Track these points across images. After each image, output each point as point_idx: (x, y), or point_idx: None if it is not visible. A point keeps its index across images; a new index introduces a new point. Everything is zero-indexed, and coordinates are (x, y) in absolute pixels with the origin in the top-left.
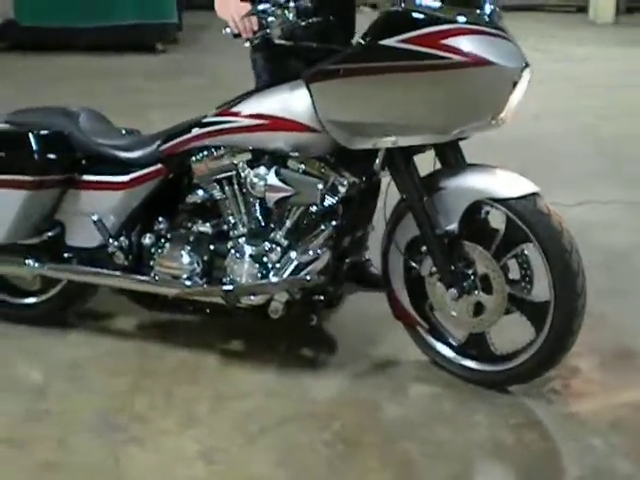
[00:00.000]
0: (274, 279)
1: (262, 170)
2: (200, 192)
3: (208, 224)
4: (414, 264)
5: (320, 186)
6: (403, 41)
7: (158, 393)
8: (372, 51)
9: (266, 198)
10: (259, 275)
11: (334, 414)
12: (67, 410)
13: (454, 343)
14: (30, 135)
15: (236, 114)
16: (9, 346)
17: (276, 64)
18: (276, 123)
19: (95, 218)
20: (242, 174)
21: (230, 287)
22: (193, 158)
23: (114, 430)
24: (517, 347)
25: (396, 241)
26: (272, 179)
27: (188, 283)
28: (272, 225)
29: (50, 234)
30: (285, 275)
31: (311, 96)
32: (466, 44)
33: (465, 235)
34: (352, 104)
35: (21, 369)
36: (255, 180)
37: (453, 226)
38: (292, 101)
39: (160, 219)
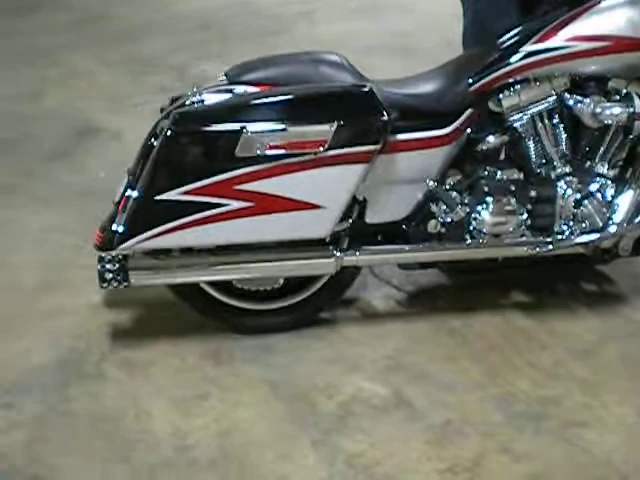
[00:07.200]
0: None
1: (597, 97)
2: (504, 133)
3: (519, 169)
4: None
5: None
6: None
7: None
8: None
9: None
10: (607, 214)
11: None
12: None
13: None
14: (370, 94)
15: (570, 38)
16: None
17: None
18: (621, 44)
19: (430, 184)
20: (571, 104)
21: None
22: (502, 95)
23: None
24: None
25: None
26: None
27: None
28: (592, 158)
29: (355, 214)
30: (629, 209)
31: None
32: None
33: None
34: None
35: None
36: (599, 109)
37: None
38: (636, 18)
39: (451, 172)
